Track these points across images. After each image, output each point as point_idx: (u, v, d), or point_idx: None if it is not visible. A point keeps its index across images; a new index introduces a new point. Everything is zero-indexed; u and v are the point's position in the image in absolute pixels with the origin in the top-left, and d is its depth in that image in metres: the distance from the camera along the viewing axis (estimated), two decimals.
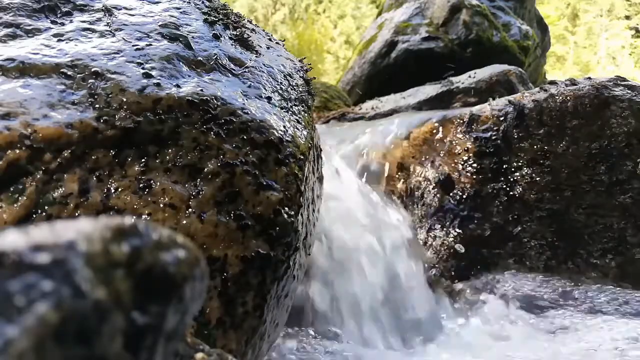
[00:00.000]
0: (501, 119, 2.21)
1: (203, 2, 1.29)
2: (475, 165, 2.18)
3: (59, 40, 0.96)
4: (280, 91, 1.18)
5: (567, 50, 21.13)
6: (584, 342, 1.47)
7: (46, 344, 0.25)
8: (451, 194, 2.19)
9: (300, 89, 1.27)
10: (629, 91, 2.06)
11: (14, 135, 0.76)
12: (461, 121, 2.29)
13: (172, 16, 1.15)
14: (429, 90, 3.43)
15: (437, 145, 2.31)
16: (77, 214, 0.78)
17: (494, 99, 2.53)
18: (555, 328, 1.62)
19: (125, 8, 1.12)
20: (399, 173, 2.36)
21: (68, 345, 0.26)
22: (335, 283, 1.63)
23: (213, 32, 1.18)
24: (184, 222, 0.85)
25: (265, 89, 1.13)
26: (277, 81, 1.20)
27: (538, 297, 1.88)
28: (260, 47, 1.29)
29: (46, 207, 0.77)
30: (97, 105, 0.86)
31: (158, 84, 0.94)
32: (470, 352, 1.49)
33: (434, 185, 2.24)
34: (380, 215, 2.05)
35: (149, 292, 0.33)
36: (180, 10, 1.19)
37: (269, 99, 1.11)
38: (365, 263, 1.74)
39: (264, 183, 0.94)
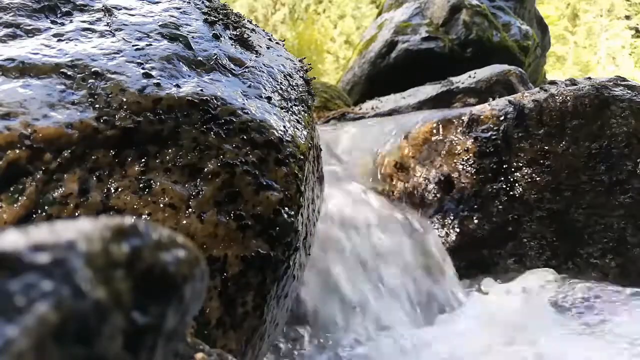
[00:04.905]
0: (501, 119, 2.21)
1: (203, 2, 1.29)
2: (475, 165, 2.18)
3: (59, 40, 0.96)
4: (280, 91, 1.18)
5: (567, 50, 21.14)
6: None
7: (46, 344, 0.25)
8: (451, 194, 2.19)
9: (300, 89, 1.27)
10: (629, 91, 2.06)
11: (14, 135, 0.76)
12: (461, 121, 2.29)
13: (172, 16, 1.15)
14: (429, 90, 3.43)
15: (437, 145, 2.31)
16: (77, 214, 0.78)
17: (494, 99, 2.53)
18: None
19: (125, 8, 1.12)
20: (399, 173, 2.36)
21: (68, 345, 0.26)
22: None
23: (213, 32, 1.18)
24: (184, 222, 0.85)
25: (265, 89, 1.13)
26: (277, 81, 1.20)
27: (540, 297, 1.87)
28: (260, 47, 1.29)
29: (46, 207, 0.77)
30: (97, 105, 0.86)
31: (158, 84, 0.94)
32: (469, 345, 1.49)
33: (434, 185, 2.24)
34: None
35: (149, 292, 0.33)
36: (180, 10, 1.19)
37: (269, 99, 1.11)
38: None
39: (264, 183, 0.94)
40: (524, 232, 2.05)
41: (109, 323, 0.29)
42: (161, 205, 0.84)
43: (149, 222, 0.44)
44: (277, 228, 0.93)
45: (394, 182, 2.36)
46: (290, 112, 1.14)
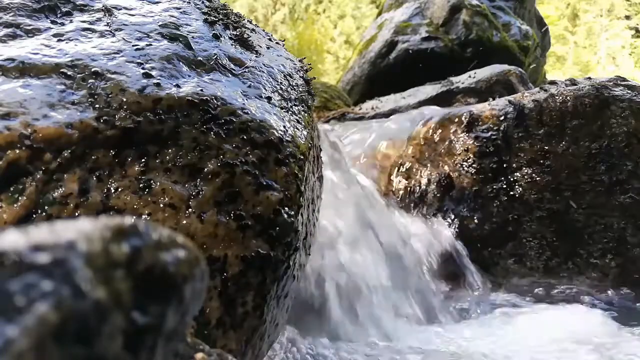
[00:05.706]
0: (501, 118, 2.21)
1: (203, 2, 1.29)
2: (475, 165, 2.18)
3: (59, 40, 0.96)
4: (280, 91, 1.18)
5: (567, 50, 21.15)
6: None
7: (46, 344, 0.25)
8: (451, 194, 2.19)
9: (300, 89, 1.27)
10: (629, 91, 2.06)
11: (14, 135, 0.75)
12: (461, 121, 2.29)
13: (172, 16, 1.15)
14: (429, 90, 3.44)
15: (437, 145, 2.31)
16: (77, 214, 0.78)
17: (494, 99, 2.53)
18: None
19: (125, 8, 1.12)
20: (399, 173, 2.36)
21: (68, 345, 0.26)
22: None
23: (213, 32, 1.18)
24: (184, 222, 0.85)
25: (265, 89, 1.13)
26: (277, 81, 1.20)
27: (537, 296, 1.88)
28: (260, 47, 1.29)
29: (46, 207, 0.77)
30: (97, 105, 0.86)
31: (158, 84, 0.94)
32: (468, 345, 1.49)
33: (434, 185, 2.24)
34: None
35: (149, 292, 0.33)
36: (180, 10, 1.19)
37: (269, 99, 1.11)
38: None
39: (264, 183, 0.94)
40: (524, 232, 2.05)
41: (109, 323, 0.29)
42: (161, 205, 0.84)
43: (149, 222, 0.44)
44: (277, 228, 0.93)
45: (393, 182, 2.36)
46: (290, 112, 1.14)
